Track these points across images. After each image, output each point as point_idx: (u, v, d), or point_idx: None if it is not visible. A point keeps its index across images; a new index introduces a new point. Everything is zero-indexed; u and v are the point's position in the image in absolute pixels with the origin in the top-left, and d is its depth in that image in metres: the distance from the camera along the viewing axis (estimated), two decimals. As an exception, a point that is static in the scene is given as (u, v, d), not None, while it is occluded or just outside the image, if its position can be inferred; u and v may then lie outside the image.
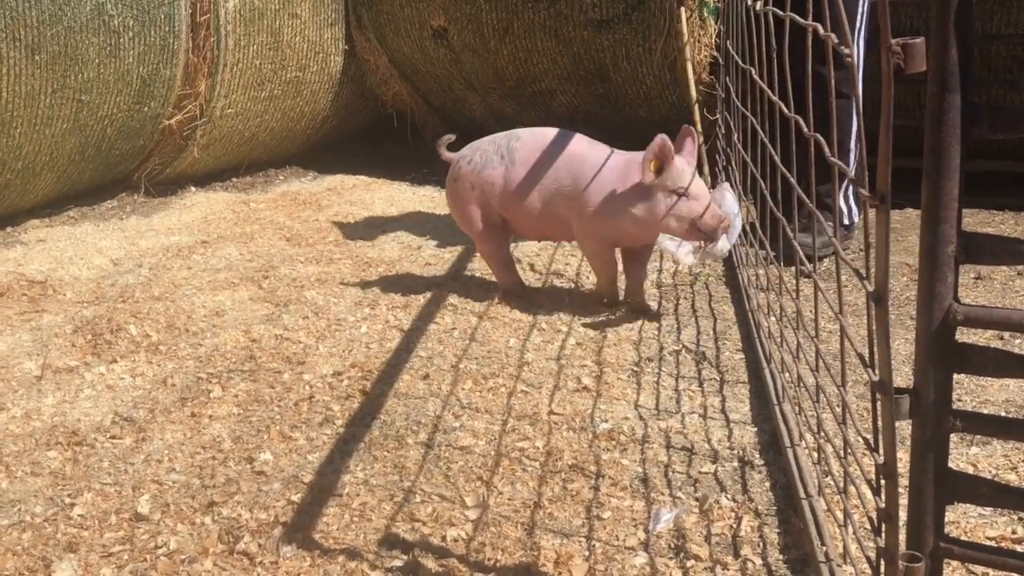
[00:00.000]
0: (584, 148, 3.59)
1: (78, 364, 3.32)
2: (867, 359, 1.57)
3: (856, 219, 4.22)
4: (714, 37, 5.11)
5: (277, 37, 5.77)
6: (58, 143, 4.93)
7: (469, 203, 3.71)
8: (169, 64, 5.31)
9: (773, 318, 2.98)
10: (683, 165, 3.31)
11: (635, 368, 3.15)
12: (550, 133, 3.70)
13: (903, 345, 3.16)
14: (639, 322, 3.54)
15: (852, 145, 3.91)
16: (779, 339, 2.80)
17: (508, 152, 3.66)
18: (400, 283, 4.04)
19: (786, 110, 2.16)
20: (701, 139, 3.29)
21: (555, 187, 3.54)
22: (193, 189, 5.86)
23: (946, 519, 1.63)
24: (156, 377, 3.21)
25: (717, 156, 4.98)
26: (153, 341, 3.49)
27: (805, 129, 1.97)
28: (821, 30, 1.74)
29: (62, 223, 5.18)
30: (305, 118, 6.32)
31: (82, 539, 2.30)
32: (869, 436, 1.62)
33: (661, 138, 3.23)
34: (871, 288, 1.47)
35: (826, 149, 1.85)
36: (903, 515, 1.49)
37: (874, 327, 1.49)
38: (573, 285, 3.98)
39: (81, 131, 5.02)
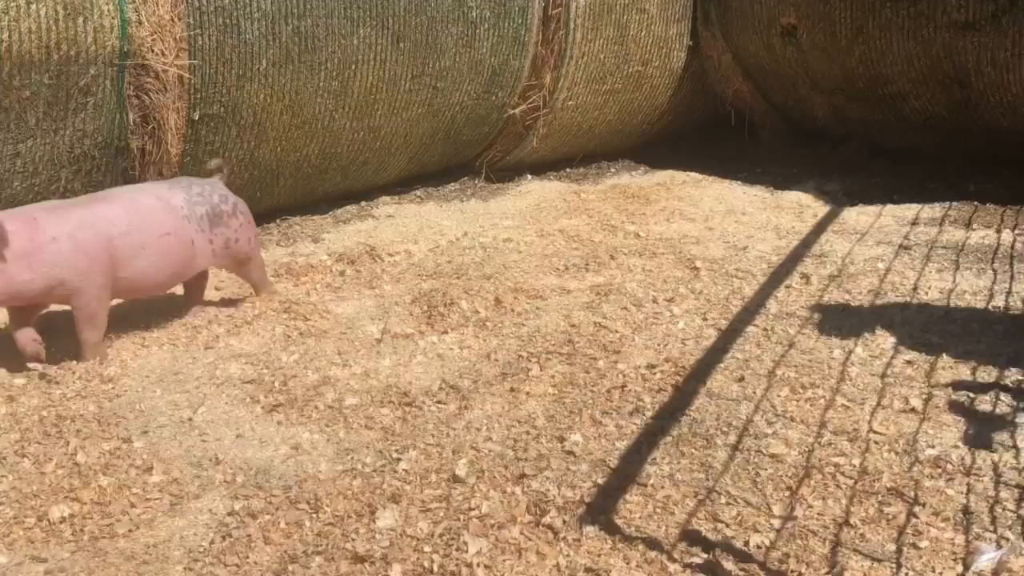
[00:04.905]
0: None
1: (414, 332, 3.57)
2: None
3: None
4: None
5: (623, 31, 5.86)
6: (413, 126, 5.30)
7: None
8: (519, 55, 5.55)
9: None
10: None
11: (970, 395, 2.92)
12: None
13: None
14: (978, 344, 3.27)
15: None
16: None
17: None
18: (721, 283, 3.98)
19: None
20: None
21: None
22: (529, 177, 6.10)
23: None
24: (481, 351, 3.38)
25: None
26: (481, 317, 3.67)
27: None
28: None
29: (410, 201, 5.57)
30: (642, 112, 6.39)
31: (404, 492, 2.48)
32: None
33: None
34: None
35: None
36: None
37: None
38: (907, 300, 3.74)
39: (434, 116, 5.38)
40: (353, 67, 4.77)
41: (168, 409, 2.94)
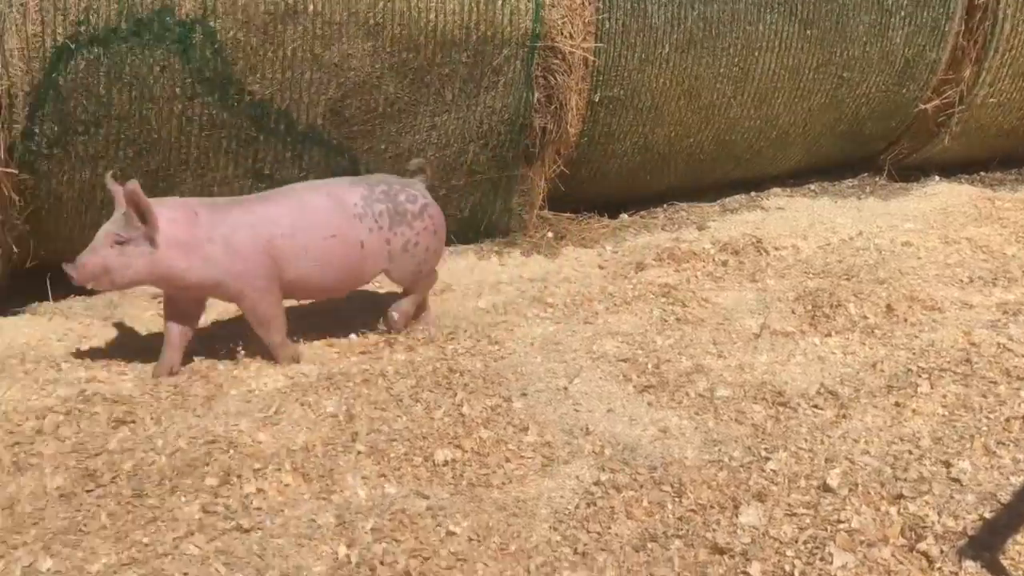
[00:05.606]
0: None
1: (794, 331, 3.45)
2: None
3: None
4: None
5: (1059, 24, 5.26)
6: (812, 117, 5.11)
7: None
8: (936, 47, 5.16)
9: None
10: None
11: None
12: None
13: None
14: None
15: None
16: None
17: None
18: None
19: None
20: None
21: None
22: (936, 178, 5.65)
23: None
24: (867, 359, 3.19)
25: None
26: (869, 323, 3.47)
27: None
28: None
29: (802, 195, 5.37)
30: (1080, 116, 5.71)
31: (771, 492, 2.41)
32: None
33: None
34: None
35: None
36: None
37: None
38: None
39: (836, 107, 5.15)
40: (756, 54, 4.68)
41: (546, 376, 3.08)
